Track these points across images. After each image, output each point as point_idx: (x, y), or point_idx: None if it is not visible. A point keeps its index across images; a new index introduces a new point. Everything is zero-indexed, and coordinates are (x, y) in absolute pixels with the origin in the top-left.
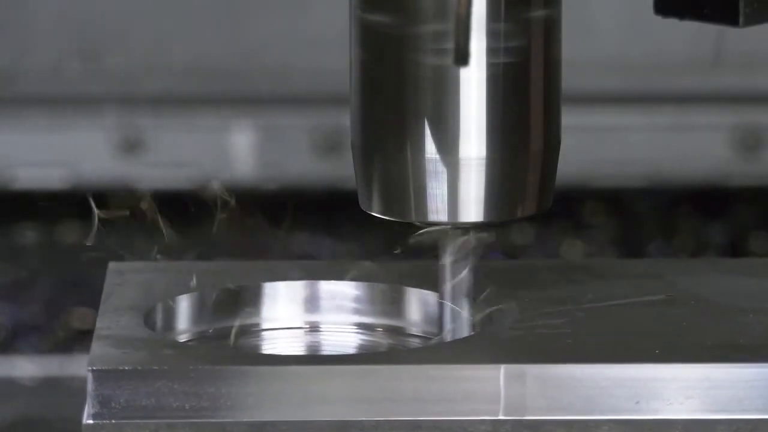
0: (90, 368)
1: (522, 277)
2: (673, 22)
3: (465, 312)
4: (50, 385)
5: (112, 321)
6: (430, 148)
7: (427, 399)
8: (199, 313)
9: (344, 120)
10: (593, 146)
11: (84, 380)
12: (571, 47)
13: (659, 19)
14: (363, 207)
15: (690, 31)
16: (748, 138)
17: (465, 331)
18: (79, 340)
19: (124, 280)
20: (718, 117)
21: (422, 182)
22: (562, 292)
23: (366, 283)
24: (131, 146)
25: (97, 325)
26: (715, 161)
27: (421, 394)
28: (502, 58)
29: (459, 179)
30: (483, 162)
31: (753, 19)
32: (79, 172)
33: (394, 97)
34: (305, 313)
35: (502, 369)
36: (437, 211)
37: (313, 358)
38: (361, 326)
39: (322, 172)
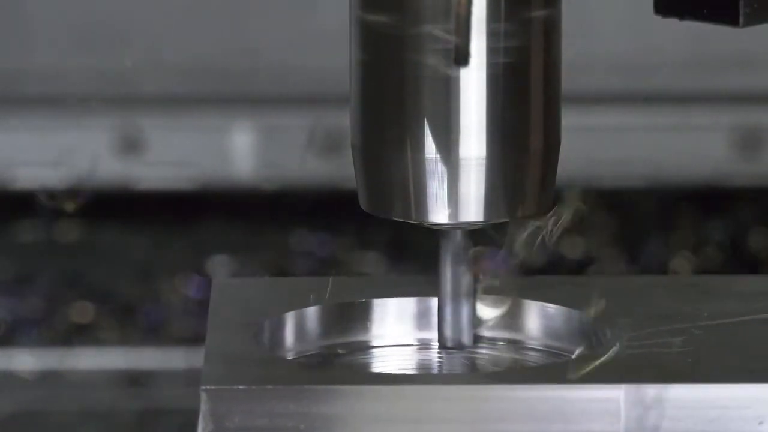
0: (204, 387)
1: (630, 293)
2: (673, 22)
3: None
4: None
5: (222, 339)
6: (430, 148)
7: (545, 419)
8: (307, 330)
9: (344, 120)
10: (593, 146)
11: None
12: (572, 47)
13: (659, 19)
14: (363, 207)
15: (690, 31)
16: (748, 138)
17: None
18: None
19: (229, 297)
20: (718, 117)
21: (422, 182)
22: (674, 309)
23: (482, 296)
24: (131, 146)
25: (207, 343)
26: (715, 161)
27: (538, 415)
28: (502, 58)
29: (459, 179)
30: (483, 162)
31: (753, 19)
32: (79, 172)
33: (394, 97)
34: (416, 330)
35: (623, 389)
36: (437, 210)
37: (428, 377)
38: (479, 339)
39: (323, 172)
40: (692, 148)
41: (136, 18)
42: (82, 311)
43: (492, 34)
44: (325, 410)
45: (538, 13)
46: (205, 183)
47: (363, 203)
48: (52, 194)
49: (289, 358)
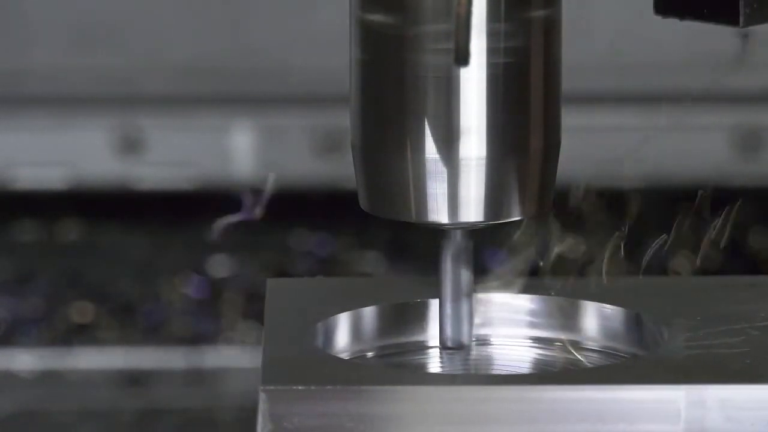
0: (263, 388)
1: (686, 293)
2: (672, 22)
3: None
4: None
5: (280, 340)
6: (430, 148)
7: (604, 420)
8: (363, 330)
9: (344, 120)
10: (593, 146)
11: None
12: (572, 47)
13: (659, 19)
14: (363, 207)
15: (690, 31)
16: (748, 138)
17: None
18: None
19: (285, 298)
20: (718, 117)
21: (422, 182)
22: (730, 310)
23: (540, 296)
24: (131, 146)
25: (264, 343)
26: (715, 161)
27: (597, 415)
28: (502, 58)
29: (459, 179)
30: (483, 162)
31: (753, 19)
32: (79, 172)
33: (394, 97)
34: (475, 328)
35: (683, 390)
36: (437, 210)
37: (485, 378)
38: (535, 340)
39: (322, 172)
40: (692, 148)
41: (136, 18)
42: (82, 311)
43: (492, 34)
44: (384, 411)
45: (538, 13)
46: (205, 183)
47: (363, 203)
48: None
49: (345, 358)
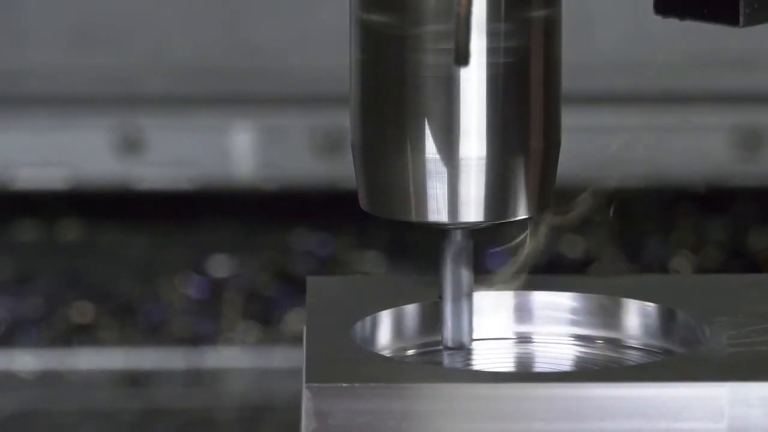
0: (308, 385)
1: (726, 292)
2: (673, 22)
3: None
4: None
5: (322, 337)
6: (430, 148)
7: (648, 417)
8: (404, 327)
9: (344, 120)
10: (593, 146)
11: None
12: (572, 47)
13: (659, 18)
14: (363, 207)
15: (690, 31)
16: (748, 138)
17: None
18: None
19: (326, 296)
20: (718, 117)
21: (422, 182)
22: None
23: (581, 294)
24: (131, 146)
25: (307, 341)
26: (715, 161)
27: (640, 413)
28: (502, 57)
29: (459, 179)
30: (483, 162)
31: (753, 19)
32: (79, 172)
33: (394, 97)
34: (515, 324)
35: (726, 387)
36: (437, 211)
37: (528, 376)
38: (577, 338)
39: (322, 172)
40: (692, 148)
41: (135, 18)
42: (82, 311)
43: (492, 34)
44: (427, 408)
45: (538, 13)
46: (205, 183)
47: (363, 203)
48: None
49: (387, 355)
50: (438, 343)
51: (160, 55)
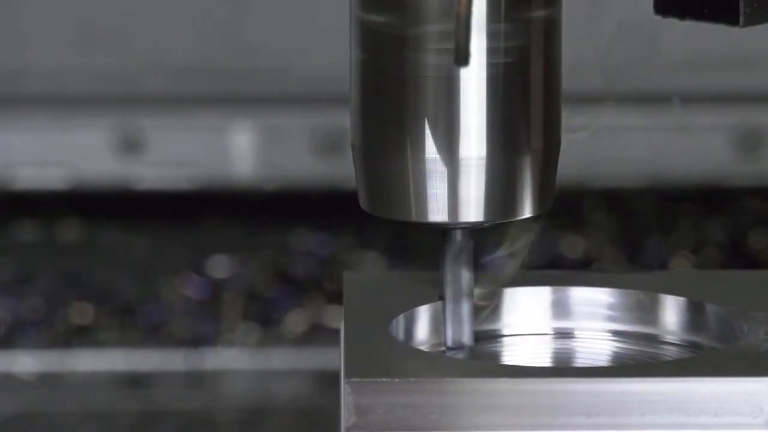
0: (347, 380)
1: (753, 287)
2: (673, 22)
3: None
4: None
5: (360, 333)
6: (430, 148)
7: (687, 412)
8: (441, 323)
9: (344, 120)
10: (593, 146)
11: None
12: (572, 47)
13: (659, 18)
14: (363, 207)
15: (690, 31)
16: (748, 138)
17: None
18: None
19: (363, 291)
20: (718, 117)
21: (422, 182)
22: None
23: (618, 290)
24: (131, 146)
25: (345, 336)
26: (715, 161)
27: (679, 407)
28: (502, 57)
29: (459, 179)
30: (483, 162)
31: (753, 19)
32: (79, 172)
33: (394, 97)
34: (552, 319)
35: (765, 382)
36: (437, 211)
37: (568, 371)
38: (614, 333)
39: (322, 172)
40: (692, 148)
41: (136, 18)
42: (82, 312)
43: (492, 34)
44: (468, 403)
45: (538, 13)
46: (205, 183)
47: (363, 203)
48: (52, 194)
49: (424, 350)
50: (474, 334)
51: (160, 55)
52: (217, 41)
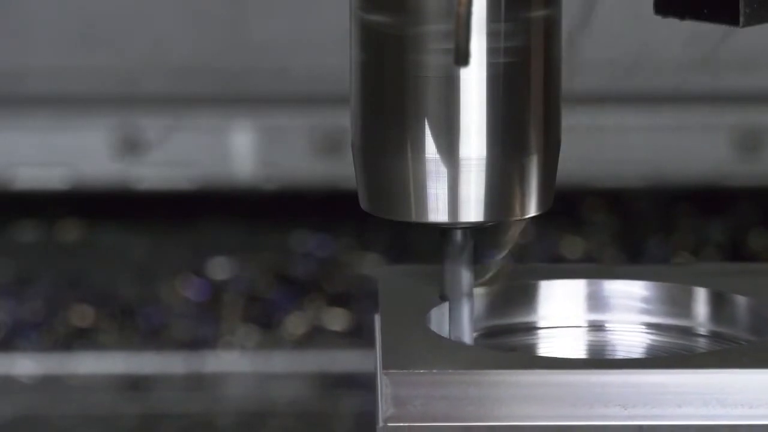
0: (385, 371)
1: None
2: (673, 22)
3: None
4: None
5: (397, 325)
6: (430, 148)
7: (724, 404)
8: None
9: (344, 120)
10: (593, 146)
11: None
12: (572, 47)
13: (659, 18)
14: (363, 207)
15: (690, 31)
16: (748, 138)
17: None
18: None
19: (397, 285)
20: (718, 117)
21: (422, 182)
22: None
23: (651, 282)
24: (131, 146)
25: (382, 329)
26: (715, 161)
27: (716, 399)
28: (502, 57)
29: (459, 179)
30: (483, 162)
31: (753, 19)
32: (79, 172)
33: (394, 97)
34: (586, 312)
35: None
36: (437, 211)
37: (607, 362)
38: (647, 326)
39: (322, 172)
40: (692, 148)
41: (135, 18)
42: (82, 313)
43: (492, 34)
44: (506, 395)
45: (538, 13)
46: (205, 183)
47: (363, 203)
48: (52, 194)
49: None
50: (506, 327)
51: (160, 55)
52: (217, 41)
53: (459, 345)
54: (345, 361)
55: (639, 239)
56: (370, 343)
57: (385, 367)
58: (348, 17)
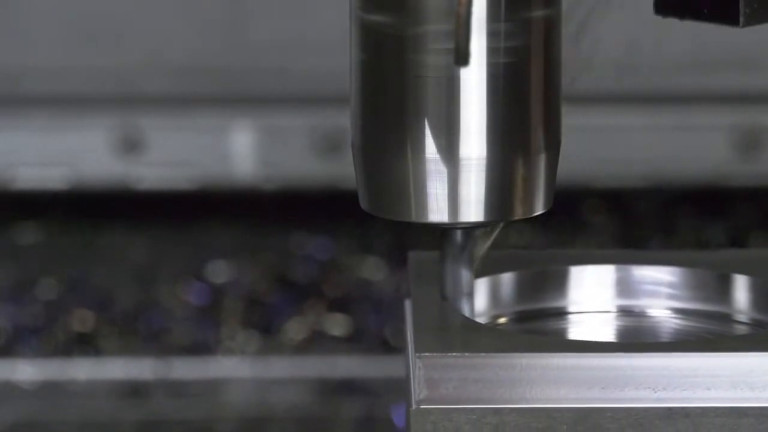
0: (418, 354)
1: None
2: (673, 22)
3: None
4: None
5: (428, 309)
6: (430, 148)
7: (752, 386)
8: (501, 296)
9: (344, 120)
10: (593, 146)
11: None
12: (572, 47)
13: (659, 19)
14: (363, 207)
15: (690, 31)
16: (748, 138)
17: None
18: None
19: (425, 270)
20: (718, 117)
21: (422, 182)
22: None
23: (681, 268)
24: (131, 146)
25: (414, 313)
26: (715, 161)
27: (745, 382)
28: (502, 57)
29: (459, 179)
30: (483, 162)
31: (753, 19)
32: (79, 172)
33: (394, 97)
34: (616, 297)
35: None
36: (437, 211)
37: (637, 346)
38: (676, 311)
39: (322, 172)
40: (692, 148)
41: (135, 17)
42: (81, 315)
43: (492, 34)
44: (536, 377)
45: (538, 13)
46: (205, 183)
47: (363, 203)
48: (52, 194)
49: (482, 322)
50: (537, 311)
51: (160, 55)
52: (217, 41)
53: (491, 329)
54: (345, 366)
55: (639, 239)
56: (370, 349)
57: (417, 350)
58: (348, 17)
